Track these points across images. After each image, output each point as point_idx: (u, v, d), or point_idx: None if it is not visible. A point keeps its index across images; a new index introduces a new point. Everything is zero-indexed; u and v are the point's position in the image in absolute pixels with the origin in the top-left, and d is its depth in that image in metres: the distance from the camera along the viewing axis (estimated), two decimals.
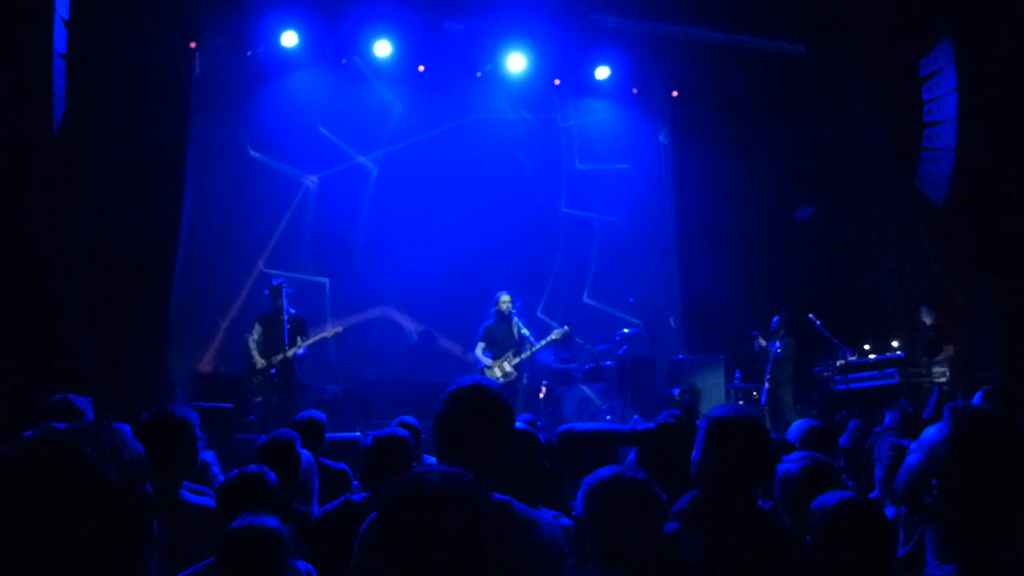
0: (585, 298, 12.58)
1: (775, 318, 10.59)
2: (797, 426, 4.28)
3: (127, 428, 4.45)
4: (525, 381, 9.97)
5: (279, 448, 3.92)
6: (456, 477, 1.61)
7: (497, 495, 2.31)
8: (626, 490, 2.32)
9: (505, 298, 9.45)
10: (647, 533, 2.30)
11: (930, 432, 1.89)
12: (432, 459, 5.13)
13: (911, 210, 11.18)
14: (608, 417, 10.18)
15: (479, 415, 2.31)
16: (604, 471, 2.39)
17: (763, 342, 10.55)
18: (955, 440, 1.77)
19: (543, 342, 9.51)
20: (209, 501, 3.34)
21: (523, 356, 9.47)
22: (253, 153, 11.27)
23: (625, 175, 13.13)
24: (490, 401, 2.33)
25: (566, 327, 9.85)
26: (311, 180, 11.55)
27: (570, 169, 12.82)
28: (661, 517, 2.37)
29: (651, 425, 3.05)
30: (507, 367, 9.36)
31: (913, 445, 2.00)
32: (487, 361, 9.33)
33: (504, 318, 9.45)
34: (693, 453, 2.67)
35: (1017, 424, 1.79)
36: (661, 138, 13.46)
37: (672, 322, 12.72)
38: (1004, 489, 1.71)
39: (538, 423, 9.65)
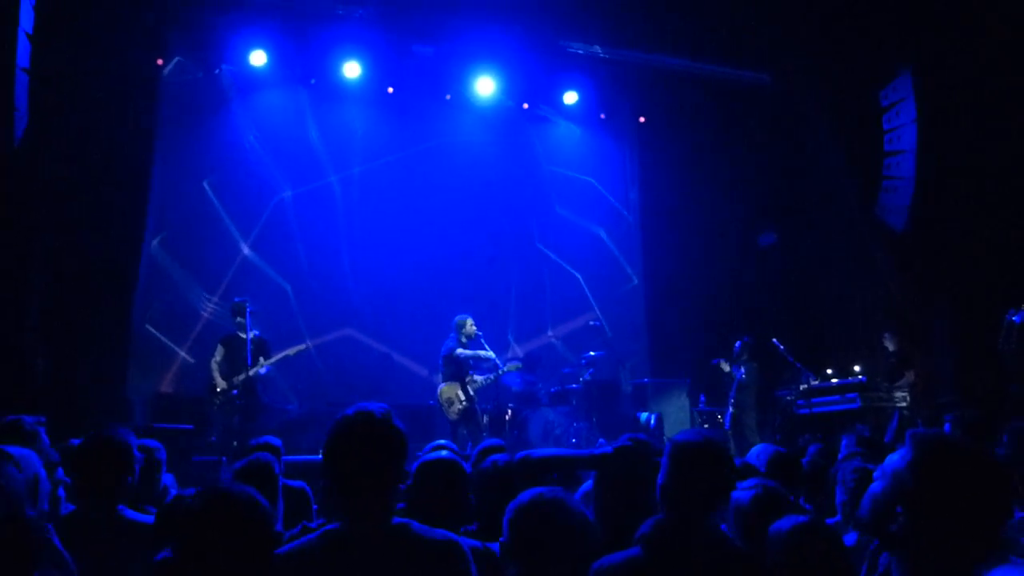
0: (549, 324, 12.59)
1: (737, 343, 10.71)
2: (757, 451, 4.30)
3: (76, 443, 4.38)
4: (486, 409, 10.00)
5: (255, 471, 3.81)
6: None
7: (396, 519, 2.31)
8: (546, 511, 2.31)
9: (470, 322, 9.46)
10: (568, 554, 2.28)
11: (893, 459, 1.90)
12: None
13: (872, 237, 11.37)
14: (574, 440, 10.17)
15: (366, 440, 2.27)
16: (525, 494, 2.38)
17: (727, 367, 10.64)
18: (917, 467, 1.78)
19: (498, 373, 9.56)
20: (149, 518, 3.29)
21: (480, 383, 9.49)
22: (218, 171, 11.17)
23: (591, 198, 13.22)
24: (377, 427, 2.29)
25: (519, 363, 9.93)
26: (277, 199, 11.47)
27: (537, 193, 12.87)
28: (585, 538, 2.35)
29: (609, 449, 3.04)
30: (470, 391, 9.36)
31: (877, 472, 2.01)
32: (450, 385, 9.33)
33: (468, 340, 9.45)
34: (658, 477, 2.67)
35: (978, 450, 1.80)
36: (632, 196, 13.55)
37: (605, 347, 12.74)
38: (968, 516, 1.72)
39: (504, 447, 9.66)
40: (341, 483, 2.27)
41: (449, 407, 9.27)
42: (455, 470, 3.40)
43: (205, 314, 10.75)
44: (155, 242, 10.54)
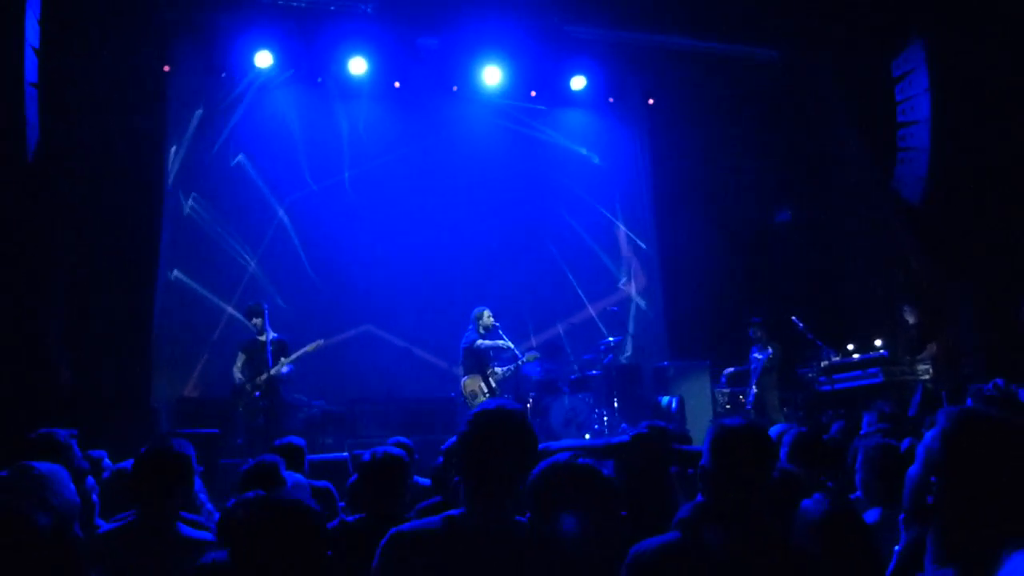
0: (565, 312, 12.58)
1: (750, 330, 10.65)
2: (777, 430, 4.30)
3: (104, 454, 4.42)
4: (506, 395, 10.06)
5: (262, 474, 3.88)
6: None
7: (518, 516, 2.36)
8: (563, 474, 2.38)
9: (487, 313, 9.50)
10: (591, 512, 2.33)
11: (927, 437, 1.91)
12: (419, 479, 5.13)
13: (888, 210, 11.27)
14: (596, 427, 10.18)
15: (505, 439, 2.34)
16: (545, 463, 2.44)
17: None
18: (948, 436, 1.78)
19: (517, 364, 9.64)
20: (207, 535, 3.31)
21: (500, 375, 9.53)
22: (230, 175, 11.22)
23: (604, 183, 13.17)
24: (516, 424, 2.37)
25: (537, 352, 9.96)
26: (290, 199, 11.51)
27: (548, 179, 12.83)
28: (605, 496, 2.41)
29: (626, 438, 3.05)
30: (492, 384, 9.41)
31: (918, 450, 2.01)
32: (472, 378, 9.37)
33: (487, 332, 9.49)
34: (701, 461, 2.68)
35: (1009, 419, 1.80)
36: (643, 178, 13.47)
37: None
38: (1001, 485, 1.71)
39: None
40: (478, 474, 2.33)
41: (473, 400, 9.31)
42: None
43: (225, 315, 10.81)
44: (170, 246, 10.60)
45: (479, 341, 9.48)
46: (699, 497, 2.60)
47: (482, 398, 9.29)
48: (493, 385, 9.39)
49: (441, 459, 4.75)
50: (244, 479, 3.90)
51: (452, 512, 2.35)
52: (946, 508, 1.78)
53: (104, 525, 3.40)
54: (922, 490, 1.86)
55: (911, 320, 10.39)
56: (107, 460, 4.48)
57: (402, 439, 4.87)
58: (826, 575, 2.40)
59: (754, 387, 10.47)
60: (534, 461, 2.41)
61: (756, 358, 10.56)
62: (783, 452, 4.25)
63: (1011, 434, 1.75)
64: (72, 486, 3.20)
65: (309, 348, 9.20)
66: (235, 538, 1.90)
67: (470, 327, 9.57)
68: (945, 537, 1.79)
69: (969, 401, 5.09)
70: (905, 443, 3.97)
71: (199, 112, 11.11)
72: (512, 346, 9.61)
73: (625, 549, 2.27)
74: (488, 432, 2.35)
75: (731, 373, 11.00)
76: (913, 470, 1.97)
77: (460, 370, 9.67)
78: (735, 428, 2.62)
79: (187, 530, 3.31)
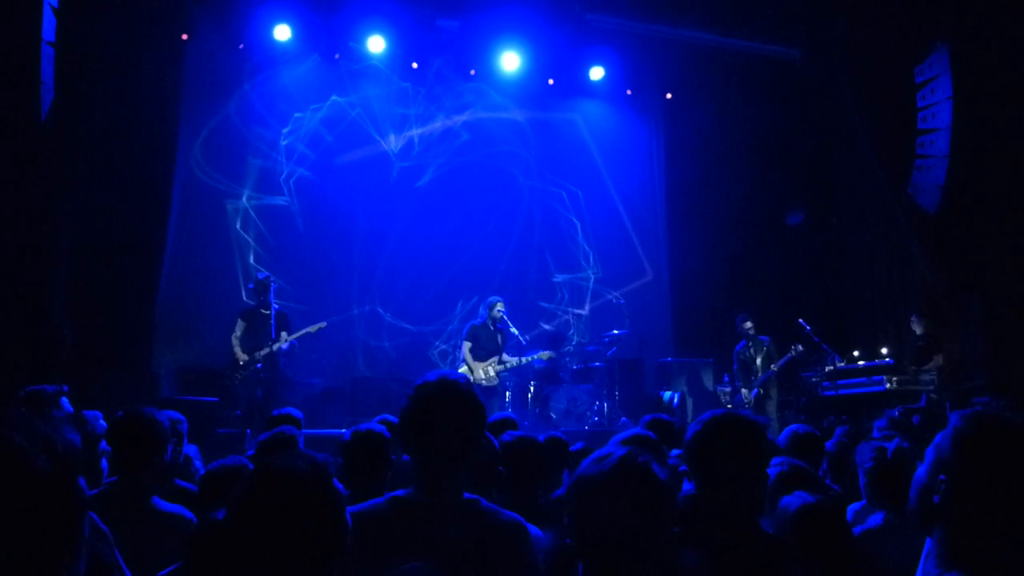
0: (572, 301, 12.53)
1: (743, 324, 10.48)
2: (787, 432, 4.29)
3: (98, 415, 4.39)
4: (507, 386, 10.02)
5: (280, 446, 3.80)
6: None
7: (467, 494, 2.27)
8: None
9: (500, 305, 9.42)
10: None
11: (937, 438, 1.87)
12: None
13: (902, 218, 11.17)
14: (595, 418, 10.15)
15: (449, 411, 2.23)
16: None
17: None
18: (958, 436, 1.76)
19: (530, 358, 9.56)
20: (182, 509, 3.26)
21: (509, 366, 9.48)
22: (242, 147, 11.18)
23: (617, 176, 13.09)
24: (459, 396, 2.25)
25: (552, 352, 9.84)
26: (299, 174, 11.46)
27: (562, 169, 12.76)
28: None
29: (628, 434, 3.02)
30: (491, 372, 9.34)
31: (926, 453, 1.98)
32: (472, 362, 9.31)
33: (495, 323, 9.44)
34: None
35: (1021, 423, 1.76)
36: (658, 173, 13.38)
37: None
38: (1012, 488, 1.68)
39: (525, 423, 9.67)
40: (423, 451, 2.23)
41: None
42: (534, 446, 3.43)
43: (231, 286, 10.79)
44: (179, 215, 10.58)
45: (466, 343, 9.38)
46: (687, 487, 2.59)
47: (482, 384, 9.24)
48: (492, 374, 9.31)
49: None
50: (260, 450, 3.85)
51: (399, 492, 2.26)
52: (954, 509, 1.74)
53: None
54: (929, 490, 1.82)
55: (918, 331, 10.30)
56: (102, 420, 4.46)
57: (388, 417, 4.76)
58: (801, 567, 2.39)
59: (757, 386, 10.35)
60: (482, 437, 2.29)
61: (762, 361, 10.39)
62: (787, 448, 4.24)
63: (1022, 435, 1.72)
64: (76, 435, 3.16)
65: (311, 329, 9.17)
66: (234, 506, 1.59)
67: (481, 312, 9.52)
68: (951, 539, 1.76)
69: None
70: (893, 445, 3.92)
71: (214, 82, 11.05)
72: (516, 333, 9.56)
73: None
74: (429, 406, 2.24)
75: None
76: (921, 471, 1.93)
77: (459, 354, 9.61)
78: (721, 418, 2.61)
79: (162, 504, 3.25)
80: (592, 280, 12.66)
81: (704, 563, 2.30)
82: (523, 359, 9.56)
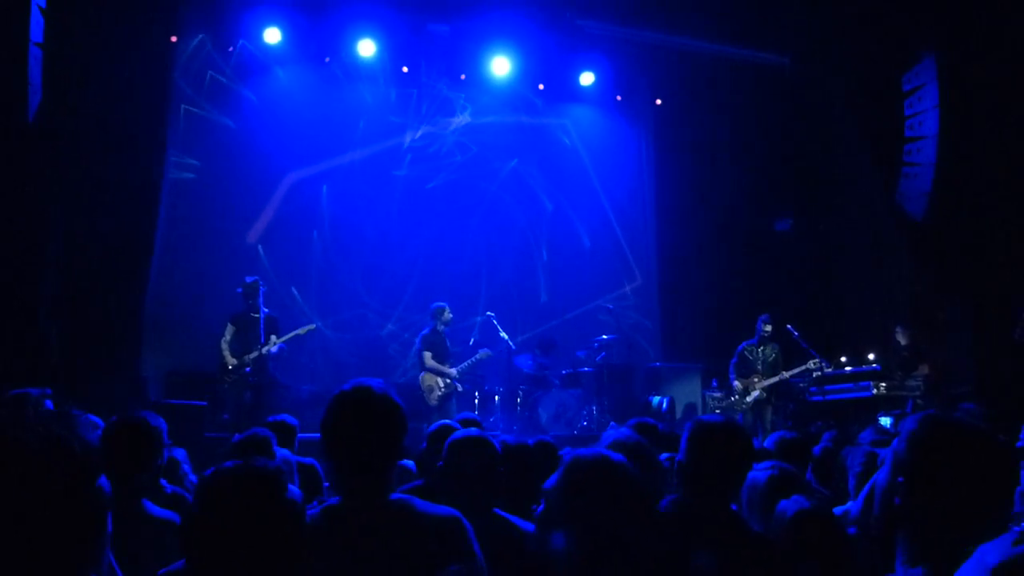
0: (563, 307, 12.54)
1: (764, 325, 10.43)
2: (774, 436, 4.32)
3: (98, 421, 4.38)
4: (497, 391, 10.01)
5: (254, 446, 3.82)
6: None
7: (396, 495, 2.28)
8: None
9: (447, 312, 9.40)
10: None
11: (895, 442, 1.92)
12: (406, 462, 5.10)
13: (889, 225, 11.25)
14: (584, 423, 10.16)
15: (361, 418, 2.22)
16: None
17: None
18: (912, 436, 1.80)
19: (471, 361, 9.43)
20: (172, 515, 3.26)
21: (468, 367, 9.46)
22: (232, 150, 11.13)
23: (606, 182, 13.13)
24: (373, 402, 2.24)
25: (488, 350, 9.72)
26: (290, 178, 11.43)
27: (551, 173, 12.78)
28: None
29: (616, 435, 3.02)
30: (454, 373, 9.32)
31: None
32: (440, 367, 9.27)
33: (444, 327, 9.42)
34: (678, 456, 2.69)
35: (975, 424, 1.82)
36: (647, 178, 13.41)
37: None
38: (965, 487, 1.73)
39: (514, 427, 9.67)
40: (339, 459, 2.24)
41: (429, 394, 9.22)
42: (483, 444, 3.40)
43: (219, 290, 10.73)
44: (168, 219, 10.53)
45: (425, 352, 9.33)
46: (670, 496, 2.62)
47: (438, 392, 9.20)
48: (448, 381, 9.28)
49: (425, 444, 4.71)
50: (233, 449, 3.85)
51: (330, 501, 2.27)
52: (914, 508, 1.79)
53: None
54: (890, 493, 1.87)
55: (903, 341, 10.35)
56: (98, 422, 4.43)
57: None
58: (798, 572, 2.44)
59: (758, 389, 10.14)
60: (402, 439, 2.27)
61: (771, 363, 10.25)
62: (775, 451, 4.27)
63: (972, 435, 1.77)
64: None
65: (301, 331, 9.15)
66: (200, 501, 1.70)
67: (429, 322, 9.47)
68: (913, 537, 1.80)
69: None
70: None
71: (204, 85, 11.02)
72: (506, 338, 9.56)
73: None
74: (345, 414, 2.23)
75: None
76: (881, 475, 1.99)
77: (418, 363, 9.52)
78: (710, 424, 2.65)
79: (153, 508, 3.24)
80: (580, 286, 12.68)
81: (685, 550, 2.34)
82: (467, 362, 9.47)
